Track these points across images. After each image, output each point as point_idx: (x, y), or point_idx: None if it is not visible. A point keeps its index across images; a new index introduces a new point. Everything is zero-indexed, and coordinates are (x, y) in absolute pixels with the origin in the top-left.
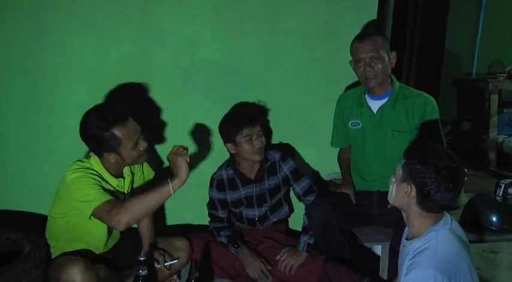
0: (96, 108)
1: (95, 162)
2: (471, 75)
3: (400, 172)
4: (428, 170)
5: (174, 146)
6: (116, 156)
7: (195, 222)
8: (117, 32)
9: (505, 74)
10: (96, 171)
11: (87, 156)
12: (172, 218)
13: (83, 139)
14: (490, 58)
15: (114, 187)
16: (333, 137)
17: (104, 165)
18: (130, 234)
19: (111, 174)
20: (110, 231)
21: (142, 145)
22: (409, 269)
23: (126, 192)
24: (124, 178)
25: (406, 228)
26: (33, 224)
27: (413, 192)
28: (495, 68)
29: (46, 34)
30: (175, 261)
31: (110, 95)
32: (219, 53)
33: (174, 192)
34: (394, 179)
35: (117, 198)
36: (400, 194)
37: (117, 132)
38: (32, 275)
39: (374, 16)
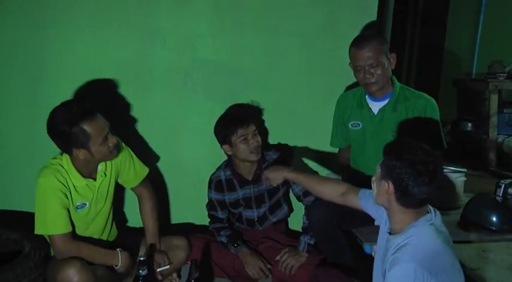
0: (64, 103)
1: (65, 160)
2: (471, 75)
3: (379, 170)
4: (403, 165)
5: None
6: (85, 153)
7: (197, 222)
8: (117, 32)
9: (505, 74)
10: (64, 169)
11: (61, 153)
12: (175, 217)
13: (50, 136)
14: (490, 58)
15: (80, 187)
16: (332, 137)
17: (74, 164)
18: (129, 233)
19: (80, 173)
20: (106, 221)
21: (112, 141)
22: (391, 265)
23: (96, 193)
24: (95, 180)
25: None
26: (33, 224)
27: (391, 189)
28: (495, 68)
29: (46, 34)
30: (167, 266)
31: (109, 95)
32: (219, 53)
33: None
34: (374, 178)
35: (85, 198)
36: (380, 191)
37: (86, 127)
38: (32, 275)
39: (374, 16)
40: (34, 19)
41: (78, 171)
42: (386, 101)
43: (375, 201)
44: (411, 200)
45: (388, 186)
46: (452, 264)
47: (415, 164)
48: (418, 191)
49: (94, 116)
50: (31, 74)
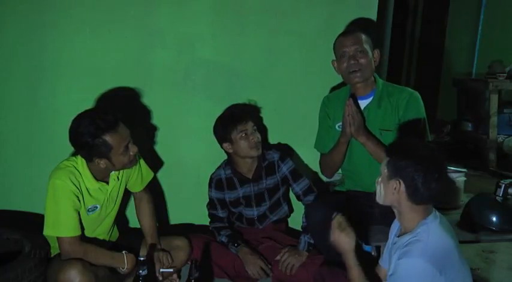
0: (87, 114)
1: (80, 162)
2: (471, 75)
3: (385, 170)
4: (414, 163)
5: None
6: (106, 162)
7: (197, 222)
8: (117, 31)
9: (505, 74)
10: (79, 172)
11: (75, 154)
12: (174, 217)
13: (73, 145)
14: (490, 58)
15: (93, 190)
16: (317, 140)
17: (89, 168)
18: (130, 234)
19: (94, 177)
20: (113, 223)
21: (133, 150)
22: (400, 257)
23: (108, 196)
24: (108, 183)
25: (395, 227)
26: (33, 224)
27: (402, 188)
28: (495, 68)
29: (46, 34)
30: (171, 270)
31: (109, 95)
32: (219, 53)
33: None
34: (380, 179)
35: (97, 201)
36: (389, 192)
37: (108, 138)
38: (32, 275)
39: (374, 16)
40: (34, 19)
41: (93, 174)
42: (370, 99)
43: (380, 202)
44: (422, 196)
45: (400, 185)
46: (460, 260)
47: (424, 160)
48: (429, 187)
49: (117, 127)
50: (31, 74)
